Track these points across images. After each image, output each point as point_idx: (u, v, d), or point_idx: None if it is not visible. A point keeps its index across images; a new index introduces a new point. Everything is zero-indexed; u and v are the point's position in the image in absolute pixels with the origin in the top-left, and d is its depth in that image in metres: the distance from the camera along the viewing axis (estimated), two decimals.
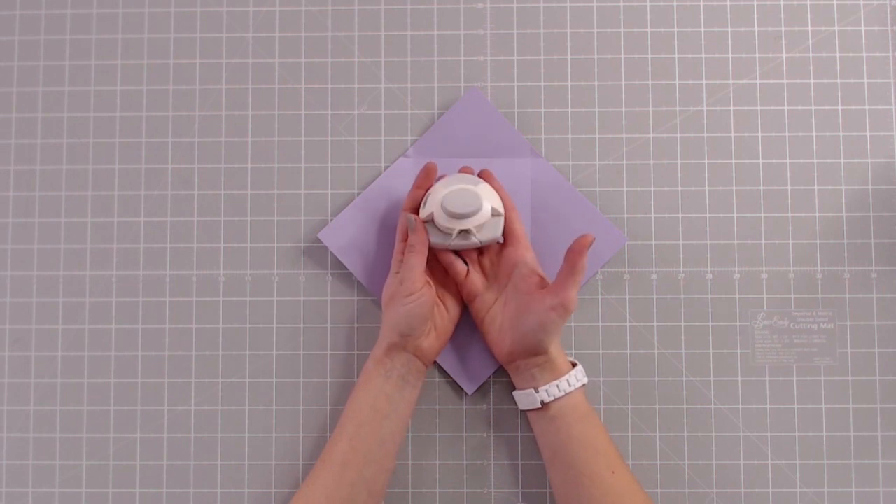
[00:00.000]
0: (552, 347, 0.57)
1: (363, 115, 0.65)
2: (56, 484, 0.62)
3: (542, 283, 0.57)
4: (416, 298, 0.56)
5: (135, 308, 0.64)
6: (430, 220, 0.57)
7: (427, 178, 0.58)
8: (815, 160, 0.64)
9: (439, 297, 0.60)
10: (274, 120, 0.65)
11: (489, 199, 0.57)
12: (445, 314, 0.60)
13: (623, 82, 0.64)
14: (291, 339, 0.63)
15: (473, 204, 0.55)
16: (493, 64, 0.65)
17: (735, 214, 0.63)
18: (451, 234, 0.57)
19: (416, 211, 0.59)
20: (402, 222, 0.59)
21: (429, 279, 0.58)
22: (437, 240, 0.57)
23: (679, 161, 0.64)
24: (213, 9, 0.65)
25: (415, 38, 0.65)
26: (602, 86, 0.64)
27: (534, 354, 0.57)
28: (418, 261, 0.57)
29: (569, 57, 0.65)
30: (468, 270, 0.60)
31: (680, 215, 0.63)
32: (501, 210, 0.58)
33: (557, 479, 0.57)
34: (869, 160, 0.64)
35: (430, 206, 0.57)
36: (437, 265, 0.61)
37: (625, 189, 0.64)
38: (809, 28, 0.64)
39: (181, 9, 0.65)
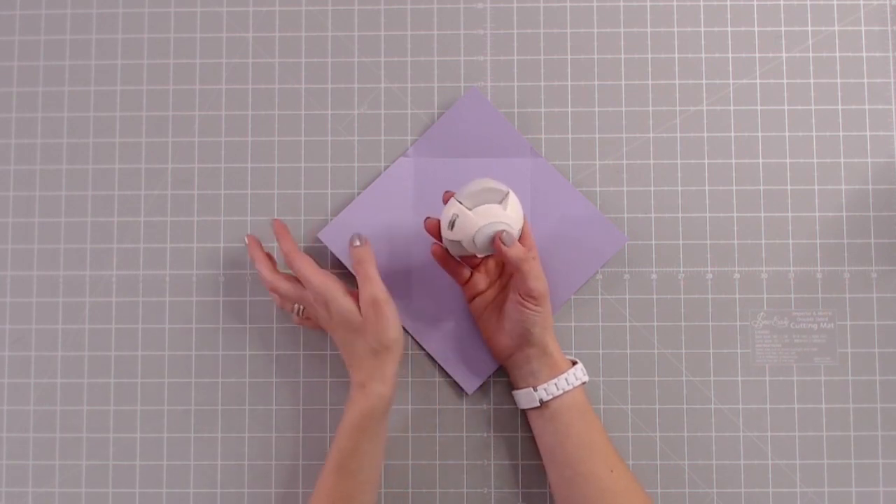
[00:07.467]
0: (547, 340, 0.57)
1: (363, 115, 0.65)
2: (56, 484, 0.62)
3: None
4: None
5: (135, 308, 0.64)
6: (456, 241, 0.56)
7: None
8: (815, 160, 0.64)
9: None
10: (274, 120, 0.64)
11: (517, 221, 0.55)
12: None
13: (623, 82, 0.64)
14: (291, 340, 0.63)
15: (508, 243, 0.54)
16: (493, 64, 0.65)
17: (735, 214, 0.63)
18: (467, 250, 0.56)
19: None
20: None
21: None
22: (454, 250, 0.57)
23: (679, 161, 0.64)
24: (213, 9, 0.65)
25: (415, 38, 0.65)
26: (602, 86, 0.64)
27: (527, 345, 0.57)
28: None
29: (569, 57, 0.65)
30: (471, 273, 0.60)
31: (680, 215, 0.63)
32: (522, 222, 0.56)
33: (555, 478, 0.57)
34: (869, 160, 0.64)
35: (459, 234, 0.55)
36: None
37: (625, 189, 0.64)
38: (809, 28, 0.64)
39: (181, 9, 0.65)
